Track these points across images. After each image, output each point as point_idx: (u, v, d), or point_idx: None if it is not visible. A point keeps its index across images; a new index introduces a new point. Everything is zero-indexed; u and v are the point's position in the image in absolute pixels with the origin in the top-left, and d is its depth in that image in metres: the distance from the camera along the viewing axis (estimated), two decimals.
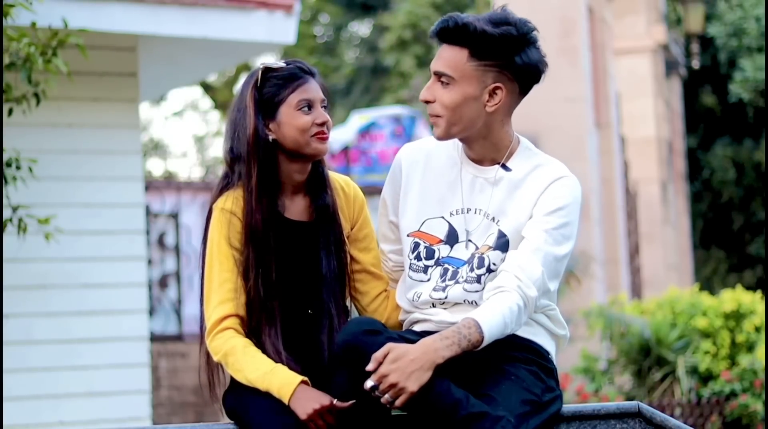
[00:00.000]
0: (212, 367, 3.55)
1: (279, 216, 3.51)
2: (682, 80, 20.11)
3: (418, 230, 3.54)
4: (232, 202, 3.49)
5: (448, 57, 3.44)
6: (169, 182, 14.49)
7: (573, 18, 13.08)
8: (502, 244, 3.46)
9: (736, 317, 10.15)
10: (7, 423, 6.78)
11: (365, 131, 12.27)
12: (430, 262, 3.52)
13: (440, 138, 3.49)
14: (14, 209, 5.97)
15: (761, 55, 18.44)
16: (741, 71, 18.74)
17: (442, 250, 3.51)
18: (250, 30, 7.50)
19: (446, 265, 3.51)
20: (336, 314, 3.53)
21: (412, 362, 3.20)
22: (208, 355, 3.53)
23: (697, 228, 21.06)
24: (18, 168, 5.91)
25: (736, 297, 10.19)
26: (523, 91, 3.51)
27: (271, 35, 7.52)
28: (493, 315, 3.31)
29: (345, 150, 12.20)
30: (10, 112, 5.90)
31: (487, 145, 3.50)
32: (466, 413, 3.21)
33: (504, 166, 3.50)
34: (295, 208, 3.56)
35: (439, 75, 3.45)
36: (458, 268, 3.49)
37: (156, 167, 26.06)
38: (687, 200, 20.10)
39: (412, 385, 3.18)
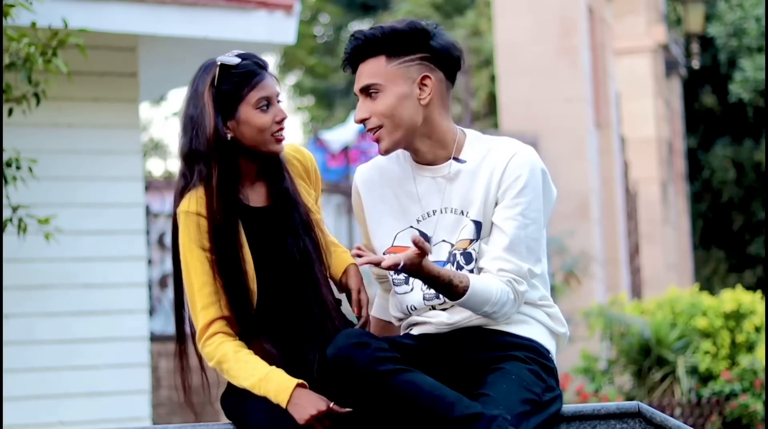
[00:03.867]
0: (185, 370, 3.54)
1: (244, 207, 3.47)
2: (682, 80, 20.12)
3: (392, 246, 3.53)
4: (196, 202, 3.44)
5: (367, 71, 3.45)
6: (169, 182, 14.47)
7: (573, 18, 13.08)
8: (480, 233, 3.47)
9: (736, 317, 10.16)
10: (7, 423, 6.78)
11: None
12: None
13: (387, 150, 3.47)
14: (14, 209, 5.97)
15: (761, 55, 18.45)
16: (741, 71, 18.75)
17: None
18: (250, 30, 7.49)
19: None
20: (314, 294, 3.47)
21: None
22: (181, 359, 3.53)
23: (697, 228, 21.07)
24: (18, 168, 5.90)
25: (736, 297, 10.20)
26: (449, 77, 3.51)
27: (271, 35, 7.52)
28: (485, 286, 3.36)
29: (345, 150, 12.21)
30: (10, 112, 5.90)
31: (433, 144, 3.50)
32: (461, 415, 3.20)
33: (456, 159, 3.50)
34: (256, 195, 3.52)
35: (365, 90, 3.46)
36: None
37: (156, 167, 26.08)
38: (687, 200, 20.11)
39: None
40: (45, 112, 6.72)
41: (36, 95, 5.86)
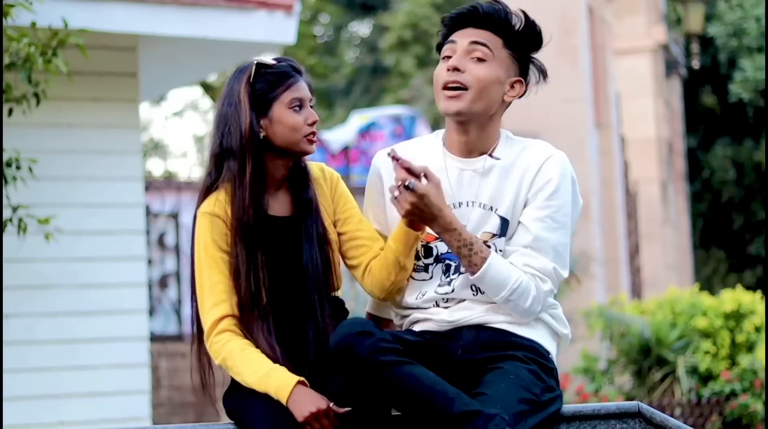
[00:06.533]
0: (204, 367, 3.56)
1: (265, 215, 3.50)
2: (682, 80, 20.11)
3: None
4: (215, 203, 3.49)
5: (485, 36, 3.46)
6: (169, 182, 14.48)
7: (573, 18, 13.08)
8: (506, 230, 3.48)
9: (736, 317, 10.15)
10: (7, 423, 6.78)
11: (365, 131, 12.29)
12: (430, 260, 3.52)
13: (458, 113, 3.46)
14: (14, 209, 5.97)
15: (761, 55, 18.45)
16: (741, 71, 18.75)
17: (440, 247, 3.51)
18: (250, 30, 7.50)
19: (447, 261, 3.51)
20: (320, 307, 3.51)
21: (428, 208, 3.36)
22: (199, 358, 3.53)
23: (697, 228, 21.07)
24: (18, 168, 5.91)
25: (736, 297, 10.20)
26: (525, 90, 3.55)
27: (271, 35, 7.52)
28: (504, 267, 3.38)
29: (345, 150, 12.22)
30: (10, 112, 5.90)
31: (481, 136, 3.51)
32: (460, 411, 3.21)
33: (491, 155, 3.51)
34: (277, 204, 3.55)
35: (478, 46, 3.45)
36: (459, 261, 3.49)
37: (156, 167, 26.06)
38: (687, 200, 20.11)
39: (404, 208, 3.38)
40: (45, 112, 6.72)
41: (36, 95, 5.86)
